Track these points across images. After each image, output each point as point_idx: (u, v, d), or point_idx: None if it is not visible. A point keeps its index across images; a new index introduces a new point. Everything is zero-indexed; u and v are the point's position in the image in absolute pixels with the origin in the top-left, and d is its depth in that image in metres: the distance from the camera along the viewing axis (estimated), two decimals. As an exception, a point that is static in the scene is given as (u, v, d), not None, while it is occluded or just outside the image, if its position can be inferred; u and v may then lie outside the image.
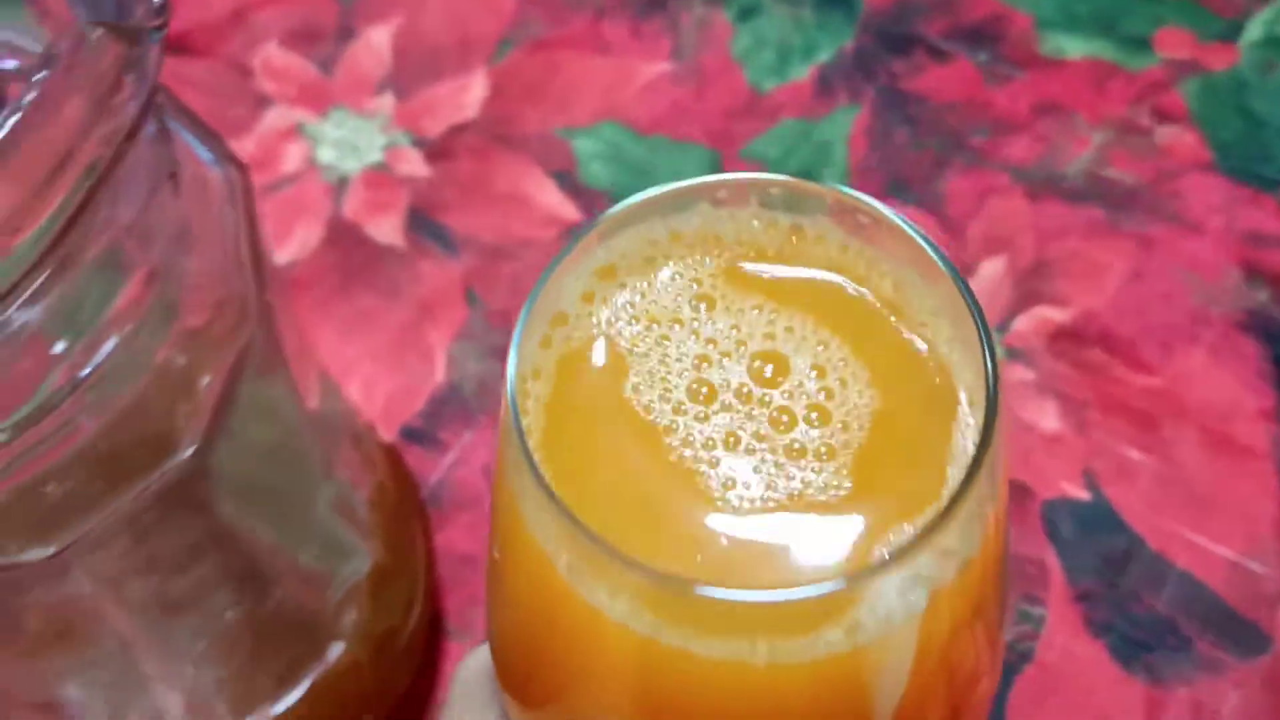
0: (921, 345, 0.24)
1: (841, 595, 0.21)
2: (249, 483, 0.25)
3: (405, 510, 0.35)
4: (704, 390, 0.23)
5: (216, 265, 0.21)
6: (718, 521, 0.22)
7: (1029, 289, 0.45)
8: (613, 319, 0.24)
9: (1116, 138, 0.48)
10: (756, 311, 0.24)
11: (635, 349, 0.23)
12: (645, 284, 0.24)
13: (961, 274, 0.23)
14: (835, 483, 0.22)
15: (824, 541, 0.22)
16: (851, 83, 0.50)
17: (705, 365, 0.23)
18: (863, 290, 0.24)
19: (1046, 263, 0.45)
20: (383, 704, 0.35)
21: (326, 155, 0.49)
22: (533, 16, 0.52)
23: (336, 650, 0.31)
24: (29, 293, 0.18)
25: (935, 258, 0.23)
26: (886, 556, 0.21)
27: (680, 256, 0.25)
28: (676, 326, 0.24)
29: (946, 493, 0.22)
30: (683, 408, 0.23)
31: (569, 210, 0.47)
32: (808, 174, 0.48)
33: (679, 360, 0.23)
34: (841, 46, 0.51)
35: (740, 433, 0.23)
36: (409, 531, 0.34)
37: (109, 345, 0.19)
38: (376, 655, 0.32)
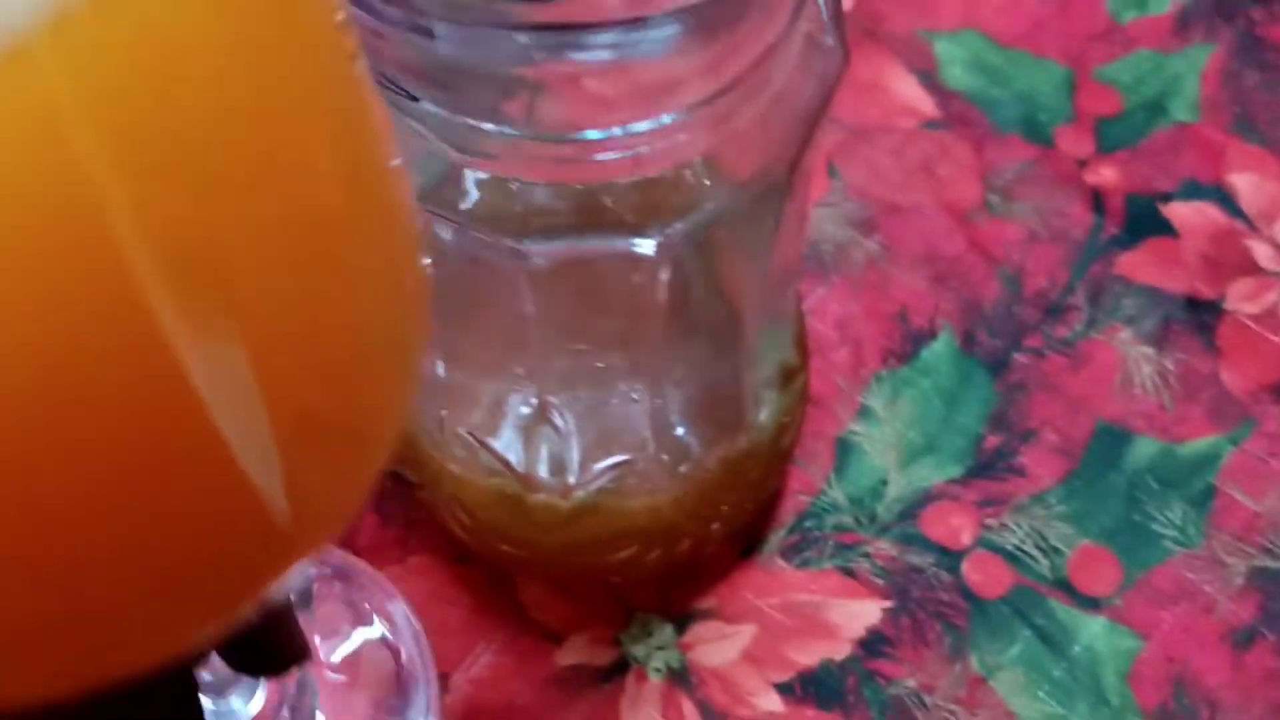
0: None
1: None
2: (758, 248, 0.28)
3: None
4: None
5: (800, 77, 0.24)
6: None
7: (1371, 235, 0.46)
8: None
9: None
10: None
11: None
12: None
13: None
14: None
15: None
16: (1210, 23, 0.51)
17: None
18: None
19: (1391, 213, 0.47)
20: (746, 503, 0.38)
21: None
22: (902, -74, 0.55)
23: (743, 435, 0.34)
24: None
25: None
26: None
27: None
28: None
29: None
30: None
31: (927, 106, 0.50)
32: (1157, 102, 0.50)
33: None
34: (1203, -12, 0.52)
35: None
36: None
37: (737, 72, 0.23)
38: (768, 448, 0.36)
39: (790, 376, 0.35)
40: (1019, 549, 0.41)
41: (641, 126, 0.22)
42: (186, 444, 0.15)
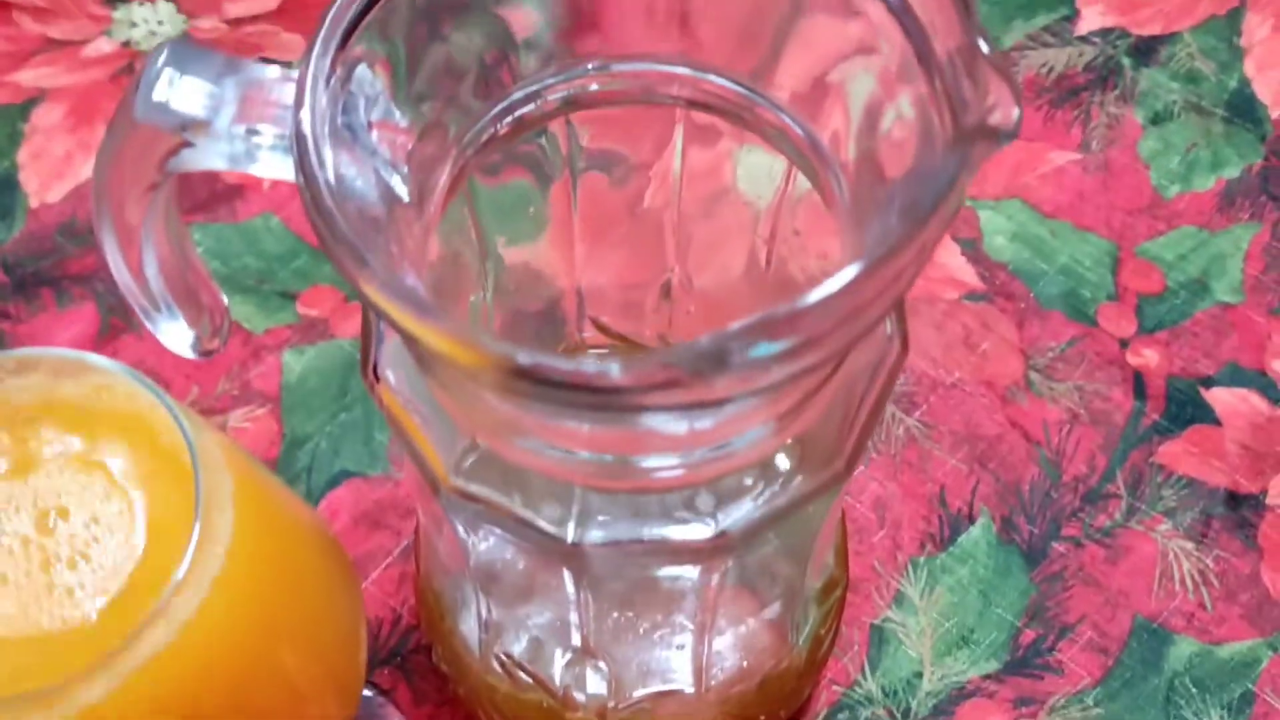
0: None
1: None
2: (816, 514, 0.28)
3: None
4: None
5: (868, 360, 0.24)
6: None
7: None
8: None
9: None
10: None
11: None
12: None
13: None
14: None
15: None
16: (1255, 201, 0.51)
17: None
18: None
19: None
20: (780, 710, 0.38)
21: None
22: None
23: (785, 659, 0.34)
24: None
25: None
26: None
27: None
28: None
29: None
30: None
31: (969, 276, 0.50)
32: (1201, 282, 0.50)
33: None
34: (1249, 165, 0.52)
35: None
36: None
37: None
38: (805, 661, 0.35)
39: (831, 588, 0.35)
40: (1054, 752, 0.41)
41: (699, 455, 0.22)
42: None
